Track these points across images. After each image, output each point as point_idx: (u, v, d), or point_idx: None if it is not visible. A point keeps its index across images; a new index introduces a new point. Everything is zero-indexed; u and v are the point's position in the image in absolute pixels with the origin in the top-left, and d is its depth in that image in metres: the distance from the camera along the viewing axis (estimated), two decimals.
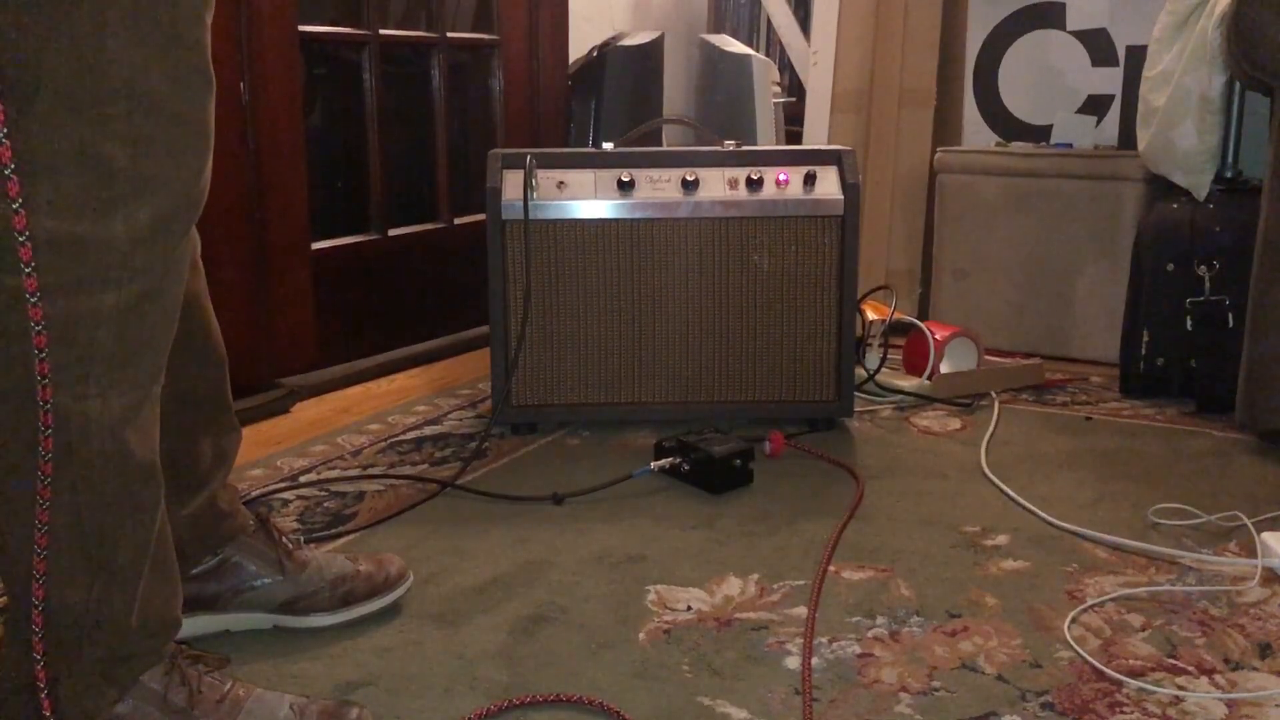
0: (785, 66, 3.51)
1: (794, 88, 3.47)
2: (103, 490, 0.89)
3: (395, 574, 1.31)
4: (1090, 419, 2.05)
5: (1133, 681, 1.16)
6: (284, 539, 1.26)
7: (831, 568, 1.42)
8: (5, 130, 0.76)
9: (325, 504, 1.62)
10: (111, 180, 0.81)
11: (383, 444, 1.89)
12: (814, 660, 1.20)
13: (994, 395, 2.16)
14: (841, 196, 1.87)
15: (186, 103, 0.85)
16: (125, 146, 0.81)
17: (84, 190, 0.80)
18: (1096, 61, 2.62)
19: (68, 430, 0.85)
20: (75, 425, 0.85)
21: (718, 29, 3.64)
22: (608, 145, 1.91)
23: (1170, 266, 2.09)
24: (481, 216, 1.90)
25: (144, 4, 0.80)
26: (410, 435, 1.94)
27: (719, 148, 1.93)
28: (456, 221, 2.64)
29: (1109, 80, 2.60)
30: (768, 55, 3.49)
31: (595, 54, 2.91)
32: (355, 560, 1.30)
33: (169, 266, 0.87)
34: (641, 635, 1.25)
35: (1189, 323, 2.08)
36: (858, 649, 1.22)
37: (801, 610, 1.31)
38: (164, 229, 0.85)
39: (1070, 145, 2.59)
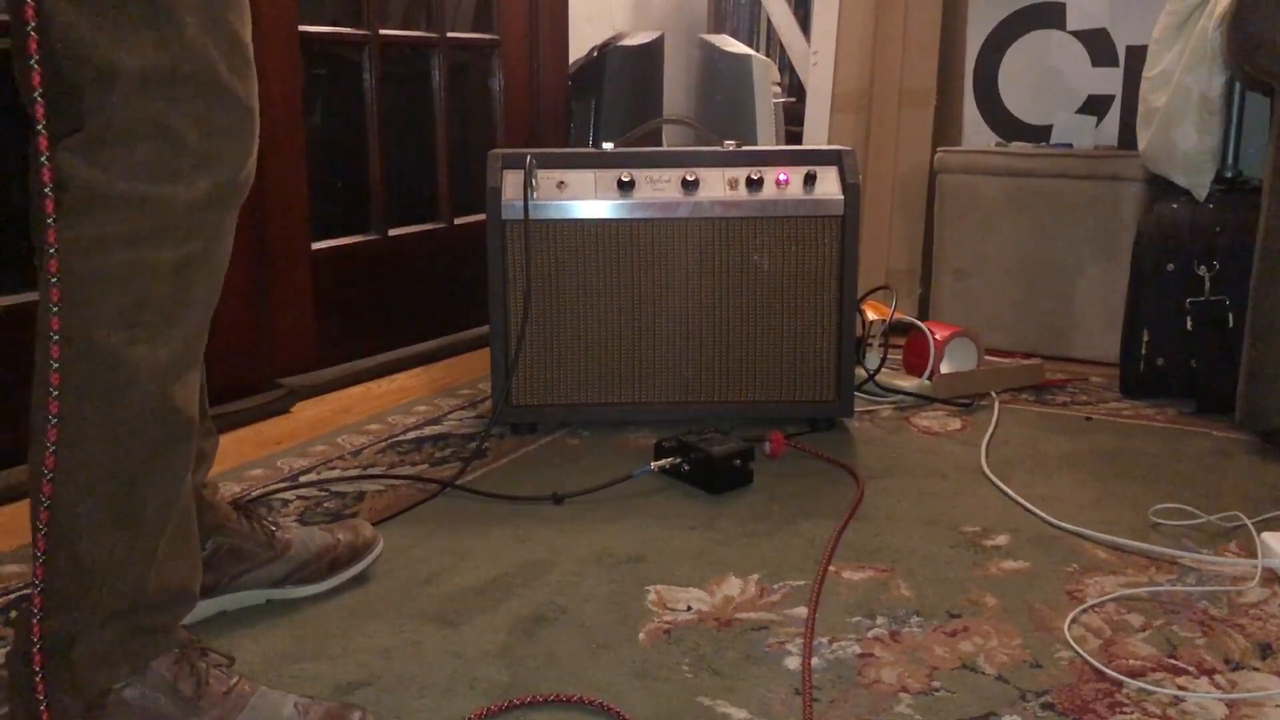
0: (785, 66, 3.51)
1: (794, 88, 3.46)
2: (141, 438, 0.94)
3: (370, 536, 1.39)
4: (1090, 419, 2.05)
5: (1133, 682, 1.16)
6: (264, 522, 1.30)
7: (831, 568, 1.42)
8: (46, 156, 0.85)
9: (325, 504, 1.62)
10: (180, 152, 0.91)
11: (383, 444, 1.89)
12: (814, 660, 1.20)
13: (994, 395, 2.16)
14: (841, 196, 1.87)
15: (245, 92, 0.95)
16: (193, 125, 0.91)
17: (156, 158, 0.90)
18: (1096, 61, 2.62)
19: (116, 371, 0.91)
20: (125, 368, 0.92)
21: (718, 29, 3.64)
22: (608, 145, 1.91)
23: (1170, 266, 2.09)
24: (481, 216, 1.90)
25: (212, 6, 0.92)
26: (410, 435, 1.94)
27: (719, 148, 1.93)
28: (456, 221, 2.64)
29: (1109, 80, 2.60)
30: (768, 55, 3.49)
31: (595, 54, 2.91)
32: (331, 531, 1.36)
33: (219, 234, 0.96)
34: (641, 635, 1.25)
35: (1189, 323, 2.08)
36: (858, 649, 1.22)
37: (801, 610, 1.31)
38: (219, 199, 0.94)
39: (1070, 145, 2.59)
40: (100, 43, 0.86)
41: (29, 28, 0.83)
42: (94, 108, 0.88)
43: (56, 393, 0.89)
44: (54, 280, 0.87)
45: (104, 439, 0.92)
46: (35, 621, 0.90)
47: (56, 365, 0.88)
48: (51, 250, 0.87)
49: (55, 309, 0.87)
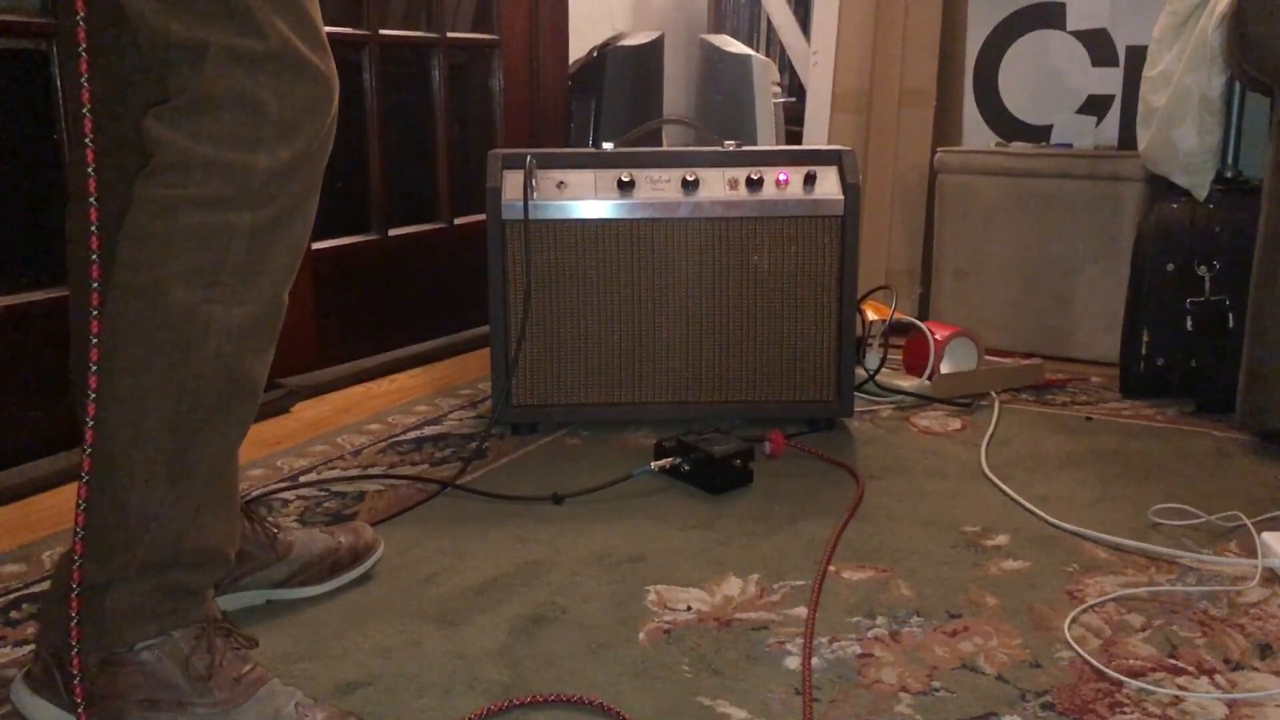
0: (785, 66, 3.51)
1: (794, 88, 3.46)
2: (205, 396, 0.97)
3: (370, 539, 1.40)
4: (1090, 419, 2.05)
5: (1133, 681, 1.16)
6: (266, 524, 1.30)
7: (831, 568, 1.42)
8: (92, 136, 0.91)
9: (325, 504, 1.62)
10: (263, 122, 0.95)
11: (383, 444, 1.89)
12: (814, 660, 1.20)
13: (994, 395, 2.16)
14: (841, 196, 1.87)
15: (324, 66, 0.99)
16: (275, 97, 0.95)
17: (239, 127, 0.94)
18: (1096, 61, 2.62)
19: (189, 328, 0.95)
20: (198, 324, 0.95)
21: (718, 29, 3.64)
22: (608, 145, 1.91)
23: (1170, 266, 2.09)
24: (481, 216, 1.90)
25: None
26: (410, 435, 1.94)
27: (719, 148, 1.93)
28: (456, 221, 2.64)
29: (1109, 80, 2.60)
30: (768, 55, 3.49)
31: (595, 54, 2.91)
32: (333, 534, 1.37)
33: (299, 200, 1.00)
34: (641, 635, 1.25)
35: (1189, 323, 2.08)
36: (858, 649, 1.22)
37: (801, 610, 1.31)
38: (299, 166, 0.98)
39: (1070, 145, 2.59)
40: (174, 27, 0.92)
41: (79, 18, 0.91)
42: (184, 80, 0.93)
43: (95, 340, 0.91)
44: (94, 229, 0.91)
45: (169, 393, 0.95)
46: (76, 567, 0.93)
47: (96, 312, 0.91)
48: (91, 200, 0.91)
49: (95, 257, 0.91)
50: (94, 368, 0.92)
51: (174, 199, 0.94)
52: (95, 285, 0.91)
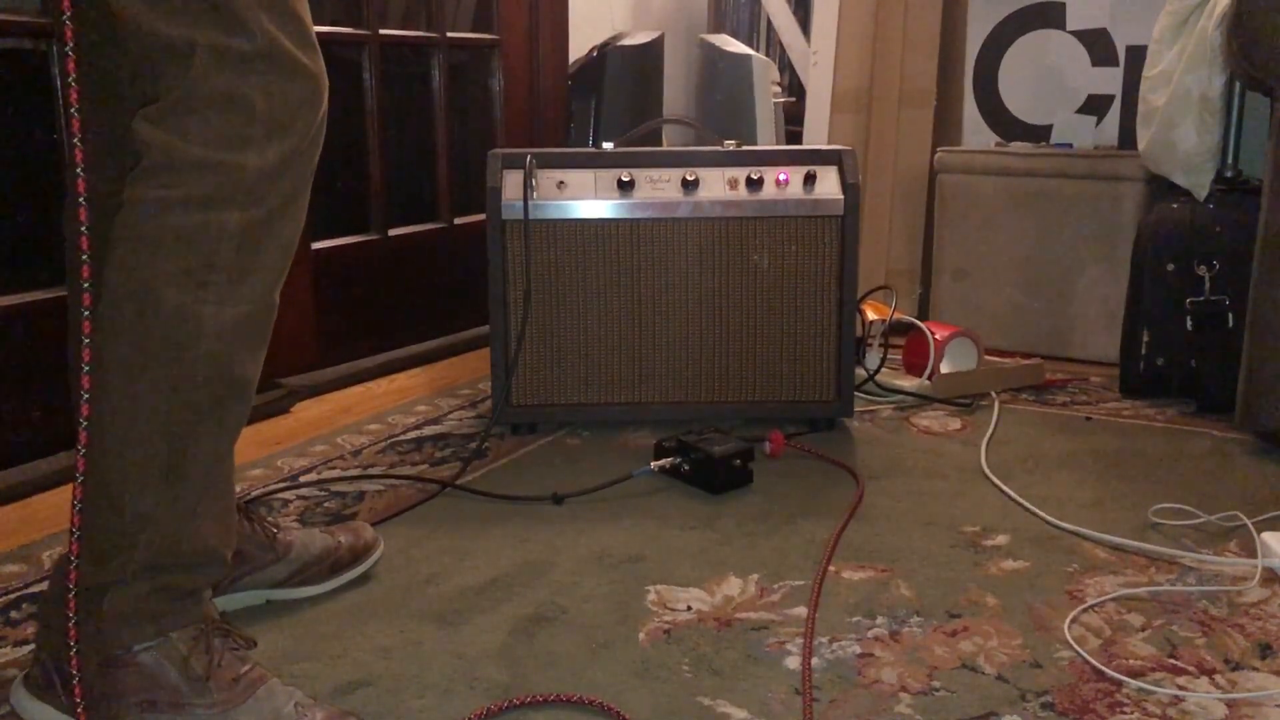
0: (785, 66, 3.51)
1: (794, 88, 3.47)
2: (199, 396, 0.97)
3: (370, 539, 1.40)
4: (1090, 419, 2.05)
5: (1133, 681, 1.16)
6: (266, 524, 1.31)
7: (831, 568, 1.42)
8: (80, 135, 0.92)
9: (325, 504, 1.62)
10: (252, 122, 0.95)
11: (383, 444, 1.89)
12: (814, 660, 1.20)
13: (994, 395, 2.16)
14: (841, 196, 1.87)
15: (312, 64, 0.99)
16: (264, 96, 0.95)
17: (228, 127, 0.94)
18: (1096, 61, 2.62)
19: (181, 328, 0.95)
20: (190, 325, 0.95)
21: (718, 29, 3.64)
22: (608, 145, 1.91)
23: (1170, 266, 2.09)
24: (481, 216, 1.90)
25: None
26: (410, 435, 1.94)
27: (719, 148, 1.93)
28: (456, 221, 2.64)
29: (1109, 80, 2.60)
30: (768, 55, 3.49)
31: (595, 54, 2.91)
32: (333, 534, 1.37)
33: (289, 199, 1.00)
34: (641, 635, 1.25)
35: (1189, 323, 2.08)
36: (858, 649, 1.22)
37: (801, 610, 1.31)
38: (289, 165, 0.98)
39: (1070, 145, 2.59)
40: (161, 27, 0.92)
41: (65, 17, 0.89)
42: (172, 80, 0.92)
43: (87, 340, 0.91)
44: (84, 229, 0.90)
45: (162, 394, 0.95)
46: (72, 568, 0.93)
47: (88, 313, 0.91)
48: (80, 200, 0.90)
49: (86, 257, 0.90)
50: (87, 368, 0.91)
51: (164, 199, 0.94)
52: (87, 285, 0.91)
